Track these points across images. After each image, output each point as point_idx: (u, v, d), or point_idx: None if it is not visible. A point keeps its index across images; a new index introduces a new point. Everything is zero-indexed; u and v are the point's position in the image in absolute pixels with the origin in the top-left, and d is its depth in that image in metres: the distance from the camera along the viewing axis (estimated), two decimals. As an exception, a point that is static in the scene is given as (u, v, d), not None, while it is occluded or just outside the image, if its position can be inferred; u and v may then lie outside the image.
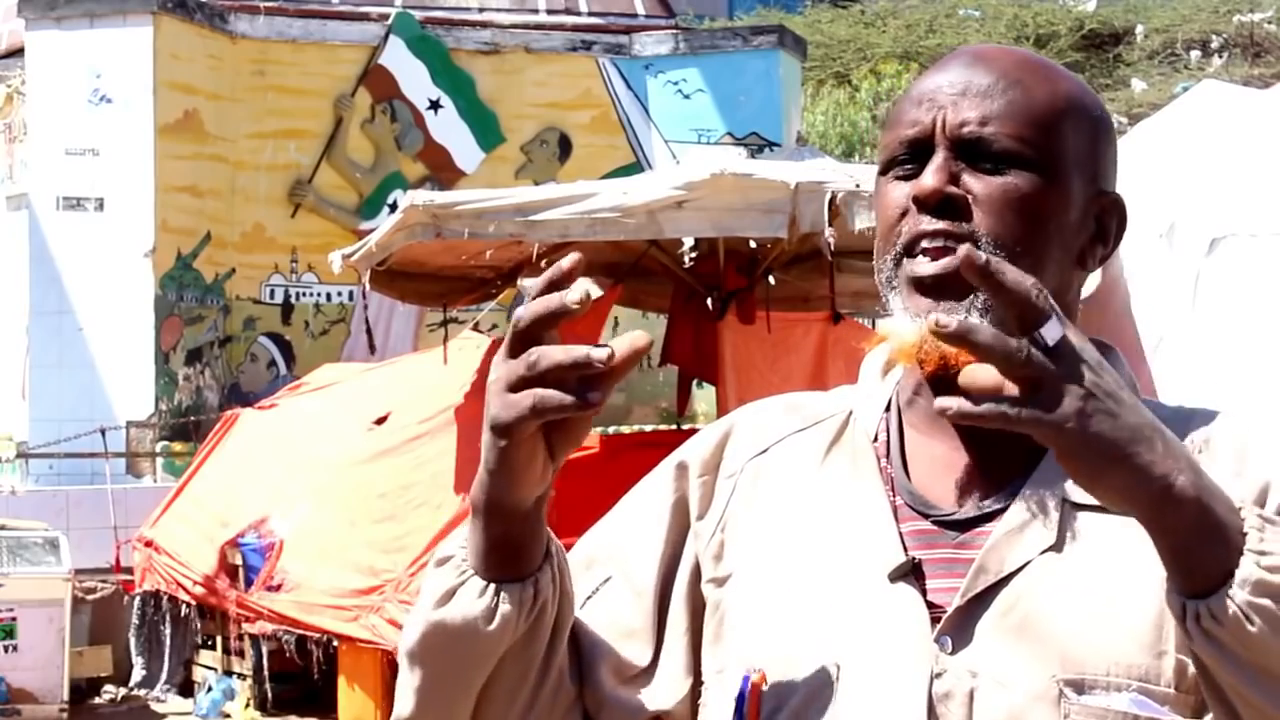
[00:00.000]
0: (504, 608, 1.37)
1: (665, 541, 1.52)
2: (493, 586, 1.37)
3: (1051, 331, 1.18)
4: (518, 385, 1.28)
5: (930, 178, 1.38)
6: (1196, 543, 1.21)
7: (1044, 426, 1.17)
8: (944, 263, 1.36)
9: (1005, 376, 1.17)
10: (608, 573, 1.54)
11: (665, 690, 1.50)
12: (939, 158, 1.40)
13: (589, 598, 1.54)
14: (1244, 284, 6.93)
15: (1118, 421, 1.19)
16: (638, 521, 1.55)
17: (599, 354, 1.24)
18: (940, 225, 1.38)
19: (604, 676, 1.50)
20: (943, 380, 1.32)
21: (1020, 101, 1.40)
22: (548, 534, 1.41)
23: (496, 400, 1.29)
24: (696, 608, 1.51)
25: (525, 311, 1.28)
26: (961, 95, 1.41)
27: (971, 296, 1.35)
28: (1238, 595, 1.20)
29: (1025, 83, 1.41)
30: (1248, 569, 1.20)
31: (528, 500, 1.35)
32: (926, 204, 1.39)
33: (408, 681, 1.44)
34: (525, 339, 1.28)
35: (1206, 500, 1.21)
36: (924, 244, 1.39)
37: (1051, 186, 1.39)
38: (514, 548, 1.37)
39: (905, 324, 1.37)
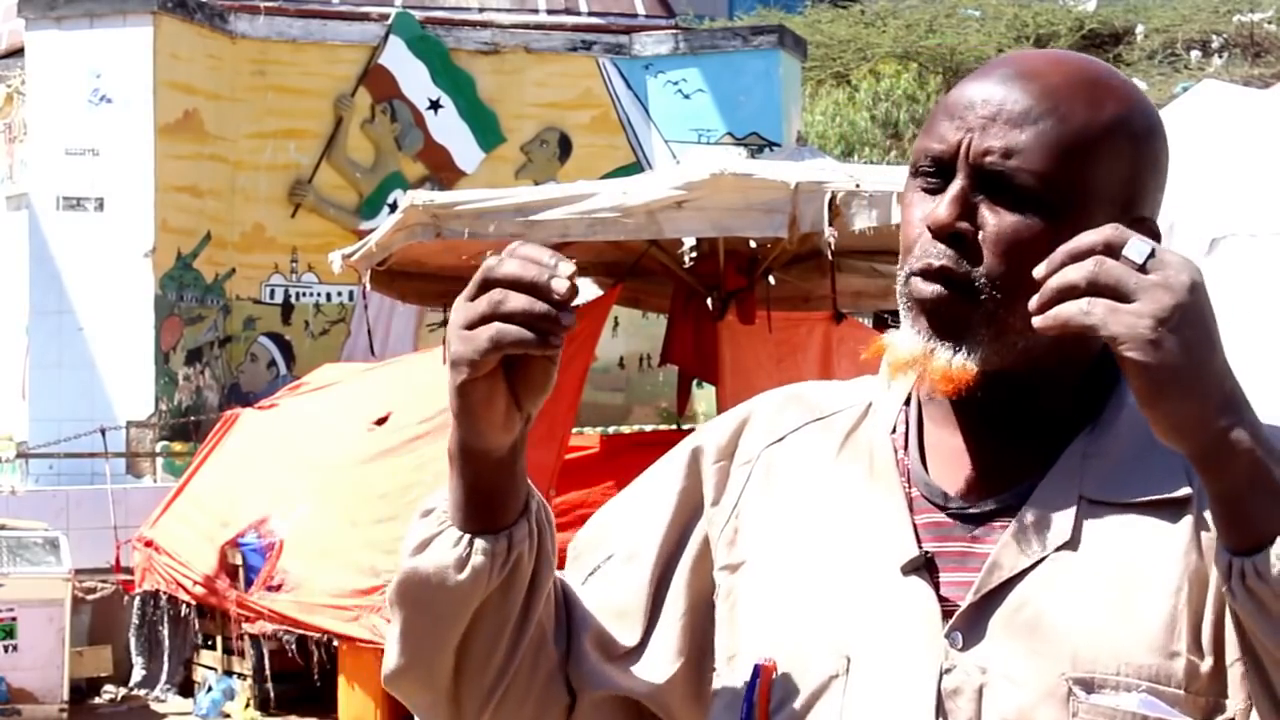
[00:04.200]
0: (476, 558, 1.40)
1: (670, 525, 1.53)
2: (467, 537, 1.40)
3: (1134, 251, 1.21)
4: (477, 323, 1.31)
5: (943, 210, 1.37)
6: (1247, 497, 1.21)
7: (1115, 326, 1.20)
8: (935, 291, 1.38)
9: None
10: (610, 550, 1.56)
11: (649, 672, 1.51)
12: (956, 187, 1.38)
13: (590, 574, 1.56)
14: (1244, 284, 6.93)
15: (1192, 354, 1.20)
16: (646, 503, 1.56)
17: (559, 285, 1.29)
18: (943, 262, 1.38)
19: (589, 649, 1.51)
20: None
21: (1051, 134, 1.36)
22: (529, 490, 1.43)
23: (456, 338, 1.32)
24: (699, 593, 1.51)
25: (502, 268, 1.31)
26: (991, 120, 1.37)
27: (969, 338, 1.37)
28: None
29: (1062, 110, 1.37)
30: None
31: (496, 446, 1.37)
32: (936, 236, 1.38)
33: (392, 632, 1.48)
34: (490, 289, 1.31)
35: (1262, 457, 1.21)
36: (924, 274, 1.40)
37: (1067, 228, 1.33)
38: (486, 496, 1.40)
39: (906, 339, 1.40)
